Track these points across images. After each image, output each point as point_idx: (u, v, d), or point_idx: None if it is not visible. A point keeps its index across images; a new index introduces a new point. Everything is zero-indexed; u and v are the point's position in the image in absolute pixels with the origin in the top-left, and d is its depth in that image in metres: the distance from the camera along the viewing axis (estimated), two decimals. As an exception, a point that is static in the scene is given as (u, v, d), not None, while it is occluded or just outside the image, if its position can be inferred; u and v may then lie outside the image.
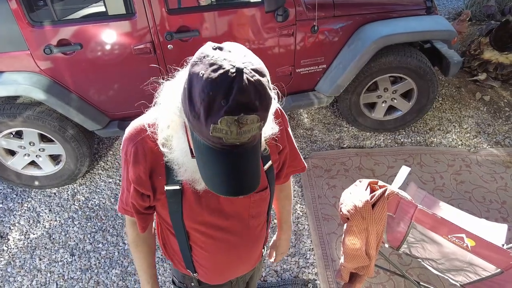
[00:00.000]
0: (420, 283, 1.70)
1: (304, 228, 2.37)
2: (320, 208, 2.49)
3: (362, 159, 2.84)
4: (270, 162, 0.94)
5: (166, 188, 0.88)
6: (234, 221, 0.95)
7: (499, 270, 1.19)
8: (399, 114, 2.96)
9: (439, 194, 2.51)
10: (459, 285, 1.53)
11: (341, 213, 1.39)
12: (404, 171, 1.85)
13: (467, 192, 2.54)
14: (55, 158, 2.64)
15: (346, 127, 3.17)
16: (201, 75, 0.60)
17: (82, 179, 2.76)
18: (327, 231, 2.33)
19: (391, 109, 2.97)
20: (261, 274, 1.42)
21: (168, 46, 2.27)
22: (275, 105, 0.81)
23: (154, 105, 0.82)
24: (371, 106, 2.98)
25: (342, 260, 1.54)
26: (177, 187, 0.87)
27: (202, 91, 0.59)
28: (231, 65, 0.60)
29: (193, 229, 0.95)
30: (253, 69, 0.61)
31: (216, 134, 0.60)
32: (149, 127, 0.82)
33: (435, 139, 3.03)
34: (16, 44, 2.06)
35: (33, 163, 2.59)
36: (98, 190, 2.69)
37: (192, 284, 1.15)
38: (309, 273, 2.11)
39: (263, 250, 1.18)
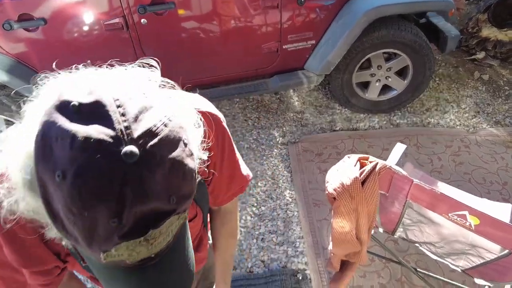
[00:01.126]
0: (418, 269, 1.55)
1: (293, 215, 2.22)
2: (311, 194, 2.34)
3: (355, 142, 2.68)
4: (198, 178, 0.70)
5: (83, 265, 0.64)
6: None
7: (506, 251, 1.04)
8: (394, 94, 2.80)
9: (437, 176, 2.37)
10: (460, 270, 1.38)
11: (327, 192, 1.23)
12: (399, 148, 1.70)
13: (467, 174, 2.39)
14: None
15: (338, 109, 3.01)
16: (59, 171, 0.36)
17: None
18: (318, 217, 2.18)
19: (385, 88, 2.81)
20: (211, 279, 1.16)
21: (142, 21, 2.09)
22: (200, 131, 0.53)
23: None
24: (365, 86, 2.81)
25: (330, 246, 1.38)
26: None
27: (67, 206, 0.36)
28: (109, 138, 0.36)
29: None
30: (155, 133, 0.38)
31: (113, 259, 0.40)
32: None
33: (432, 119, 2.87)
34: (-30, 18, 1.88)
35: None
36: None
37: None
38: (298, 262, 1.96)
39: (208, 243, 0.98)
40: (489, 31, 3.43)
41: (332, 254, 1.44)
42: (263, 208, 2.27)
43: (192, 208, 0.73)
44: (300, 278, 1.87)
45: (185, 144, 0.41)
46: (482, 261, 1.17)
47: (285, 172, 2.51)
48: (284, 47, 2.43)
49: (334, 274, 1.62)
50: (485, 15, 3.46)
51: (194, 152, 0.44)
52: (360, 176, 1.18)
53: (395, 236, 1.52)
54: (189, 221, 0.73)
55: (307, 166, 2.53)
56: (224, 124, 0.73)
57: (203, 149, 0.53)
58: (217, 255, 0.95)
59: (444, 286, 1.75)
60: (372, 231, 1.53)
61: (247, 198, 2.32)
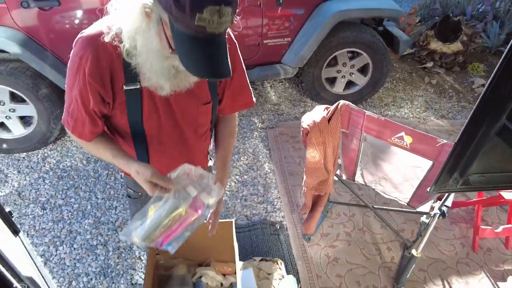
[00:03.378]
0: (374, 206, 1.90)
1: (272, 181, 2.54)
2: (287, 166, 2.68)
3: (324, 127, 3.08)
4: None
5: (125, 88, 0.90)
6: (185, 125, 1.05)
7: (431, 162, 1.42)
8: (357, 89, 3.26)
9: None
10: (406, 203, 1.75)
11: (302, 128, 1.58)
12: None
13: (416, 152, 2.84)
14: (25, 121, 2.64)
15: (310, 103, 3.42)
16: None
17: (52, 145, 2.77)
18: (293, 183, 2.51)
19: (350, 84, 3.26)
20: None
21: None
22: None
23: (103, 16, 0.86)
24: (332, 81, 3.25)
25: (304, 178, 1.71)
26: (137, 86, 0.90)
27: None
28: None
29: (151, 126, 1.00)
30: None
31: (201, 23, 0.67)
32: (110, 29, 0.83)
33: (389, 112, 3.34)
34: (-8, -4, 2.12)
35: (1, 125, 2.58)
36: (70, 154, 2.71)
37: None
38: (276, 216, 2.26)
39: (209, 160, 1.28)
40: (436, 45, 4.05)
41: (305, 189, 1.76)
42: (245, 176, 2.57)
43: (207, 95, 1.03)
44: (278, 227, 2.17)
45: None
46: (418, 182, 1.55)
47: (264, 150, 2.84)
48: (264, 41, 2.83)
49: (307, 215, 1.94)
50: (432, 31, 4.09)
51: None
52: (326, 115, 1.54)
53: (355, 182, 1.88)
54: (204, 104, 1.03)
55: (283, 146, 2.88)
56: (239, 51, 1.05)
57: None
58: (218, 154, 1.16)
59: (396, 221, 2.12)
60: (337, 175, 1.88)
61: (231, 169, 2.62)
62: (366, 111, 1.47)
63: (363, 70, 3.20)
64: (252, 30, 2.75)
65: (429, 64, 4.08)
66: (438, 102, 3.56)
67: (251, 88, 1.13)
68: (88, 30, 0.88)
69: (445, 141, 1.35)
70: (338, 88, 3.24)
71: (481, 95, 0.81)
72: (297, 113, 3.29)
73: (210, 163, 1.30)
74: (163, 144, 1.06)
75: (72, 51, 0.89)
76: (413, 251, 1.60)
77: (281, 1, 2.66)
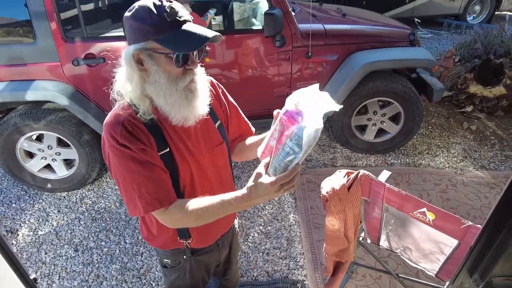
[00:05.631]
0: (400, 275, 1.80)
1: (296, 235, 2.50)
2: (312, 218, 2.63)
3: (353, 176, 3.01)
4: (219, 121, 1.14)
5: (160, 153, 0.98)
6: (210, 171, 1.12)
7: (457, 242, 1.33)
8: (389, 137, 3.18)
9: (425, 208, 2.65)
10: (433, 275, 1.64)
11: (321, 195, 1.56)
12: (384, 174, 2.03)
13: (452, 208, 2.67)
14: (68, 164, 2.87)
15: (339, 149, 3.38)
16: (134, 6, 0.90)
17: (90, 185, 2.96)
18: (318, 238, 2.45)
19: (381, 131, 3.20)
20: (238, 243, 1.53)
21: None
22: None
23: (115, 103, 0.99)
24: (362, 128, 3.21)
25: (324, 245, 1.67)
26: (167, 150, 0.99)
27: (143, 8, 0.87)
28: None
29: (185, 185, 1.07)
30: None
31: (170, 12, 0.88)
32: (123, 109, 0.95)
33: (423, 161, 3.21)
34: (49, 56, 2.40)
35: (47, 167, 2.82)
36: (105, 195, 2.88)
37: (185, 257, 1.23)
38: (298, 274, 2.21)
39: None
40: (475, 88, 3.88)
41: (326, 255, 1.72)
42: (269, 227, 2.56)
43: (218, 137, 1.13)
44: (300, 286, 2.11)
45: None
46: (444, 256, 1.45)
47: (290, 198, 2.83)
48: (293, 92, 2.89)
49: (328, 280, 1.87)
50: (471, 74, 3.94)
51: None
52: (346, 183, 1.52)
53: (380, 246, 1.80)
54: (218, 145, 1.13)
55: (310, 195, 2.84)
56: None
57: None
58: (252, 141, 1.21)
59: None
60: (361, 239, 1.82)
61: (255, 218, 2.63)
62: (386, 184, 1.43)
63: (394, 118, 3.13)
64: (281, 81, 2.82)
65: (469, 108, 3.90)
66: (478, 150, 3.36)
67: (245, 117, 1.27)
68: (107, 118, 0.98)
69: (470, 222, 1.27)
70: (369, 135, 3.18)
71: (502, 193, 0.77)
72: (326, 160, 3.26)
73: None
74: (195, 193, 1.09)
75: (105, 144, 0.97)
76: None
77: (310, 54, 2.73)
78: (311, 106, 0.82)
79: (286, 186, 0.85)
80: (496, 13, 7.19)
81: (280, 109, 0.88)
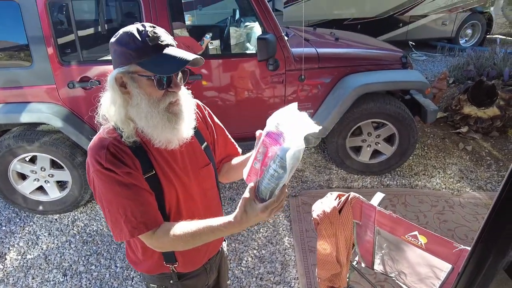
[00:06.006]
0: (395, 301, 1.75)
1: (290, 259, 2.44)
2: (307, 241, 2.58)
3: (349, 198, 2.98)
4: (205, 143, 1.14)
5: (145, 176, 0.97)
6: (196, 194, 1.10)
7: (450, 266, 1.30)
8: (384, 158, 3.17)
9: (422, 231, 2.61)
10: (430, 301, 1.59)
11: (312, 218, 1.54)
12: (378, 197, 2.01)
13: (450, 230, 2.63)
14: (61, 185, 2.84)
15: (335, 170, 3.37)
16: (119, 33, 0.93)
17: (83, 207, 2.93)
18: (313, 262, 2.40)
19: (376, 153, 3.20)
20: (228, 265, 1.50)
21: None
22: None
23: (100, 127, 0.99)
24: (357, 150, 3.21)
25: (317, 269, 1.63)
26: (152, 172, 0.98)
27: (127, 34, 0.91)
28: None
29: (171, 207, 1.05)
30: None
31: (153, 36, 0.90)
32: (108, 133, 0.96)
33: (420, 182, 3.19)
34: (45, 79, 2.43)
35: (40, 189, 2.79)
36: (98, 217, 2.84)
37: (171, 281, 1.20)
38: (292, 299, 2.14)
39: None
40: (469, 109, 3.91)
41: (319, 280, 1.67)
42: (263, 251, 2.50)
43: (205, 158, 1.13)
44: (293, 313, 2.04)
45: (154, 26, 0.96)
46: (439, 281, 1.41)
47: (285, 221, 2.78)
48: (287, 113, 2.91)
49: (322, 305, 1.82)
50: (465, 96, 3.98)
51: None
52: (337, 206, 1.50)
53: (374, 270, 1.76)
54: (205, 166, 1.12)
55: (305, 217, 2.80)
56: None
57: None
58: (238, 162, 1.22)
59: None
60: (355, 263, 1.78)
61: (249, 242, 2.58)
62: (377, 207, 1.42)
63: (389, 139, 3.14)
64: (275, 104, 2.85)
65: (464, 129, 3.91)
66: (474, 171, 3.35)
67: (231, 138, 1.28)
68: (91, 142, 0.98)
69: (462, 246, 1.24)
70: (364, 157, 3.18)
71: (486, 216, 0.75)
72: (321, 181, 3.23)
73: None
74: (180, 216, 1.07)
75: (90, 168, 0.96)
76: None
77: (303, 77, 2.77)
78: (291, 127, 0.83)
79: (275, 209, 0.86)
80: (487, 36, 7.37)
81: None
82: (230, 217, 0.89)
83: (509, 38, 7.06)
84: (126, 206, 0.93)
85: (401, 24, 6.63)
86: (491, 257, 0.79)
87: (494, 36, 7.44)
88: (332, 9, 6.04)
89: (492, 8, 6.48)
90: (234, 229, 0.90)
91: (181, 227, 0.94)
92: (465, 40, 7.28)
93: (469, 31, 7.21)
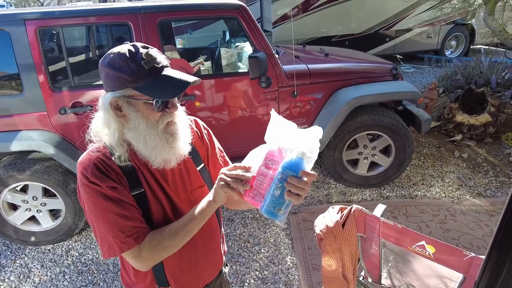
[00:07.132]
0: (406, 317, 1.68)
1: (294, 278, 2.36)
2: (310, 259, 2.51)
3: (349, 212, 2.93)
4: (202, 164, 1.11)
5: (132, 193, 0.95)
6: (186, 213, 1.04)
7: (462, 276, 1.26)
8: (382, 170, 3.15)
9: (426, 241, 2.56)
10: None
11: (315, 234, 1.50)
12: (380, 208, 1.98)
13: (454, 239, 2.58)
14: (54, 214, 2.76)
15: (334, 184, 3.33)
16: (109, 54, 0.90)
17: (77, 236, 2.83)
18: (317, 280, 2.32)
19: (374, 165, 3.18)
20: None
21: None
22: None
23: (90, 144, 0.98)
24: (355, 163, 3.19)
25: (322, 287, 1.57)
26: (141, 190, 0.96)
27: (119, 56, 0.87)
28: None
29: (160, 226, 1.00)
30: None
31: (148, 59, 0.88)
32: (98, 149, 0.95)
33: (419, 192, 3.16)
34: (36, 107, 2.39)
35: (32, 219, 2.70)
36: (93, 246, 2.74)
37: None
38: (299, 321, 2.05)
39: (223, 257, 1.24)
40: (462, 117, 3.95)
41: (325, 298, 1.61)
42: (265, 272, 2.42)
43: (200, 180, 1.09)
44: (301, 336, 1.95)
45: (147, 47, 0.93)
46: (450, 293, 1.36)
47: (286, 239, 2.72)
48: (282, 129, 2.90)
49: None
50: (456, 104, 4.03)
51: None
52: (340, 219, 1.47)
53: (382, 285, 1.70)
54: (199, 188, 1.08)
55: (307, 234, 2.74)
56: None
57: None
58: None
59: None
60: (361, 278, 1.72)
61: (250, 263, 2.50)
62: (381, 218, 1.38)
63: (385, 151, 3.13)
64: (269, 121, 2.83)
65: (458, 137, 3.93)
66: (472, 178, 3.34)
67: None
68: (80, 158, 0.96)
69: (472, 254, 1.20)
70: (362, 169, 3.16)
71: (498, 223, 0.72)
72: (320, 196, 3.19)
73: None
74: None
75: (78, 183, 0.94)
76: None
77: (295, 93, 2.77)
78: (291, 143, 0.85)
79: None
80: (471, 46, 7.58)
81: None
82: (209, 197, 0.94)
83: (492, 48, 7.26)
84: (114, 221, 0.92)
85: (387, 38, 6.80)
86: (507, 263, 0.76)
87: (477, 46, 7.65)
88: (319, 27, 6.19)
89: (473, 20, 6.69)
90: (216, 205, 0.95)
91: (168, 226, 0.97)
92: (451, 51, 7.47)
93: (453, 43, 7.42)
